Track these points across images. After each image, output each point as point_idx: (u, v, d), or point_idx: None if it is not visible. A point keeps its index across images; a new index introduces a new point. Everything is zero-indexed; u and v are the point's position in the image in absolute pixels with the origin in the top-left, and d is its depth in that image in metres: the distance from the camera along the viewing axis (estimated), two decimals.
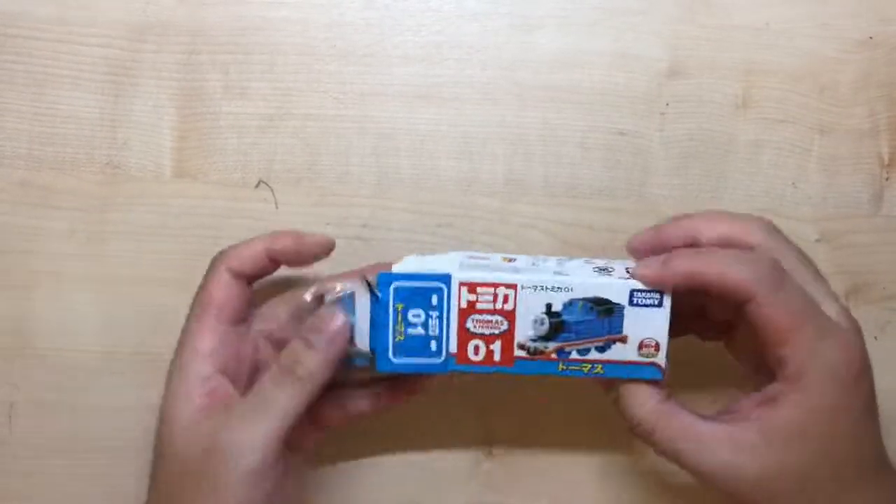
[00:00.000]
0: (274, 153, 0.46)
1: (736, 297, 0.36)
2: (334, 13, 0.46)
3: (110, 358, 0.46)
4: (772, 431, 0.35)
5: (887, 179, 0.47)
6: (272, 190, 0.46)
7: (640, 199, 0.46)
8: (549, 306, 0.38)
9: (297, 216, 0.46)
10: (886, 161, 0.47)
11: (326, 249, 0.41)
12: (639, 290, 0.38)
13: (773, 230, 0.39)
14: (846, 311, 0.37)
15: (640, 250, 0.40)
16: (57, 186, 0.46)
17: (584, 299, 0.38)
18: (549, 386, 0.46)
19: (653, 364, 0.38)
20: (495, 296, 0.38)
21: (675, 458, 0.37)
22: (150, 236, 0.46)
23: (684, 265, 0.36)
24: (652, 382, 0.38)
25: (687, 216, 0.39)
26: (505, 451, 0.47)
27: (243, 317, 0.41)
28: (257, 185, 0.46)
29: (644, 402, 0.38)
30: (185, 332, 0.40)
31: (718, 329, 0.41)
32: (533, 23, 0.47)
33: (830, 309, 0.37)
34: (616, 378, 0.38)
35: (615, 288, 0.38)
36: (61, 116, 0.46)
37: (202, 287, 0.41)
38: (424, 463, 0.46)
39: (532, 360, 0.39)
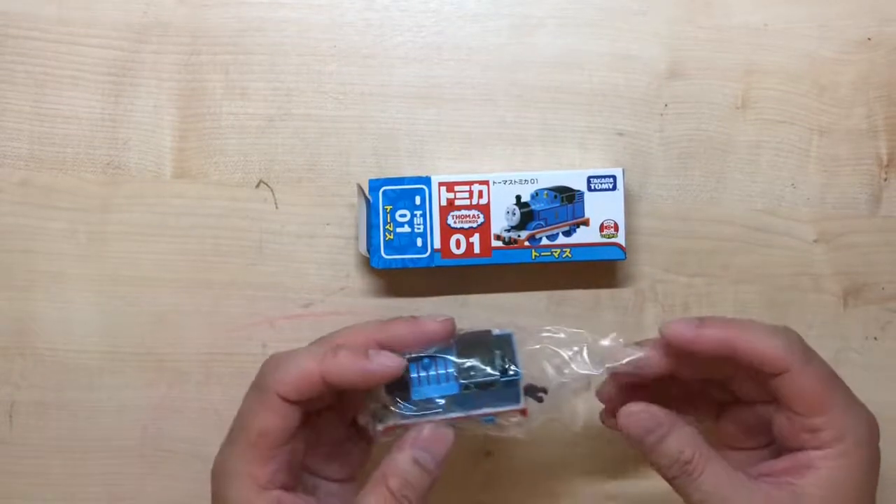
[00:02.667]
0: (274, 153, 0.46)
1: (770, 368, 0.36)
2: (335, 14, 0.47)
3: (110, 358, 0.46)
4: (808, 496, 0.35)
5: (886, 180, 0.47)
6: (272, 190, 0.46)
7: (640, 200, 0.46)
8: (518, 197, 0.43)
9: (297, 217, 0.46)
10: (885, 162, 0.47)
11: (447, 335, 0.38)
12: (595, 176, 0.42)
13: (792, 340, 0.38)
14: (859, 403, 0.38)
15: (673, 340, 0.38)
16: (57, 186, 0.46)
17: (549, 188, 0.42)
18: None
19: (615, 244, 0.42)
20: (471, 192, 0.43)
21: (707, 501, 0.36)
22: (151, 236, 0.46)
23: (718, 333, 0.37)
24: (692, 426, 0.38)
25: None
26: (504, 452, 0.47)
27: (296, 433, 0.37)
28: (257, 186, 0.46)
29: (691, 440, 0.37)
30: (230, 463, 0.36)
31: (710, 411, 0.41)
32: (533, 23, 0.47)
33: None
34: (583, 260, 0.42)
35: (575, 175, 0.43)
36: (62, 116, 0.46)
37: (248, 412, 0.37)
38: None
39: (507, 249, 0.43)
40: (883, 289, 0.47)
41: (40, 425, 0.46)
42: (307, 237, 0.46)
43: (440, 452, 0.37)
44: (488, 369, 0.37)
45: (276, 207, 0.46)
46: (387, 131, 0.46)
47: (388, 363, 0.36)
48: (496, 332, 0.39)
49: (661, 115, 0.47)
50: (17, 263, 0.46)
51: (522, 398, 0.37)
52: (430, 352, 0.38)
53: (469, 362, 0.37)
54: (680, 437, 0.36)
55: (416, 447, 0.36)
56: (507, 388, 0.37)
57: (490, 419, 0.38)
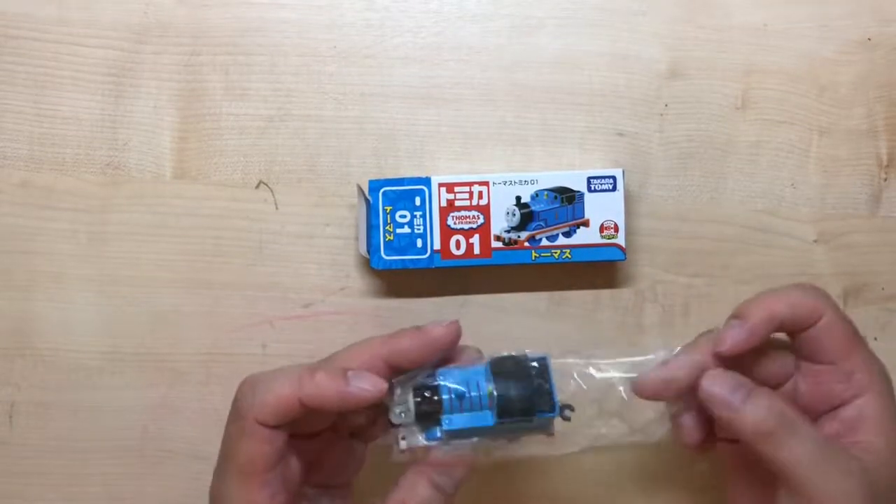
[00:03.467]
0: (274, 154, 0.46)
1: (808, 319, 0.37)
2: (334, 14, 0.47)
3: (110, 358, 0.46)
4: (875, 448, 0.36)
5: (885, 180, 0.47)
6: (272, 190, 0.46)
7: (640, 200, 0.46)
8: (518, 198, 0.43)
9: (297, 217, 0.46)
10: (885, 162, 0.47)
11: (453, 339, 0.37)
12: (595, 177, 0.42)
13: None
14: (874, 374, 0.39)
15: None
16: (58, 187, 0.46)
17: (548, 189, 0.42)
18: None
19: (615, 245, 0.42)
20: (471, 193, 0.43)
21: (788, 474, 0.34)
22: (151, 237, 0.46)
23: (759, 311, 0.37)
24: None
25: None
26: (504, 451, 0.47)
27: (286, 454, 0.36)
28: (257, 186, 0.46)
29: (776, 400, 0.36)
30: (226, 493, 0.35)
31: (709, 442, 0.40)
32: (533, 24, 0.47)
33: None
34: (583, 261, 0.42)
35: (575, 176, 0.43)
36: (62, 117, 0.46)
37: (230, 440, 0.36)
38: None
39: (507, 249, 0.43)
40: (883, 289, 0.47)
41: (40, 425, 0.46)
42: (307, 237, 0.46)
43: (459, 476, 0.36)
44: (521, 405, 0.35)
45: (276, 208, 0.46)
46: (387, 132, 0.46)
47: (366, 387, 0.34)
48: (531, 355, 0.37)
49: (661, 115, 0.47)
50: (17, 264, 0.46)
51: (553, 427, 0.36)
52: (459, 371, 0.36)
53: (506, 394, 0.35)
54: (765, 395, 0.35)
55: (436, 472, 0.35)
56: (542, 420, 0.36)
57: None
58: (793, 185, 0.47)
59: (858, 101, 0.47)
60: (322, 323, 0.46)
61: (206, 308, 0.46)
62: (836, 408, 0.38)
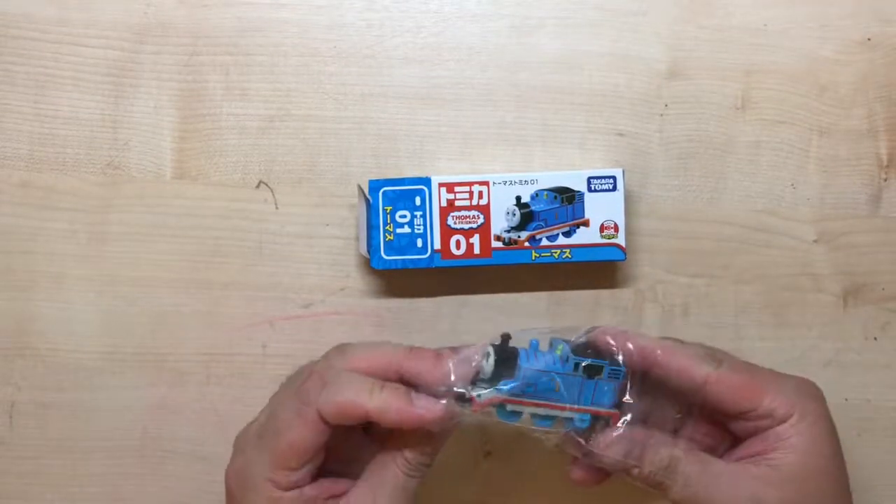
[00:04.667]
0: (274, 154, 0.46)
1: (692, 380, 0.38)
2: (335, 14, 0.47)
3: (110, 358, 0.46)
4: (786, 465, 0.37)
5: (885, 180, 0.47)
6: (272, 191, 0.46)
7: (640, 200, 0.47)
8: (518, 198, 0.43)
9: (297, 217, 0.46)
10: (885, 162, 0.47)
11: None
12: (595, 177, 0.42)
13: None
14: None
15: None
16: (58, 187, 0.46)
17: (548, 189, 0.42)
18: None
19: (615, 245, 0.42)
20: (471, 193, 0.43)
21: (696, 498, 0.38)
22: (151, 237, 0.46)
23: (642, 342, 0.38)
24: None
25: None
26: (503, 452, 0.47)
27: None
28: (258, 186, 0.47)
29: (666, 445, 0.38)
30: (254, 469, 0.37)
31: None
32: (533, 24, 0.47)
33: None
34: (583, 261, 0.42)
35: (574, 176, 0.43)
36: (62, 117, 0.46)
37: (286, 417, 0.37)
38: None
39: (507, 249, 0.43)
40: (883, 289, 0.47)
41: (40, 425, 0.46)
42: (307, 238, 0.46)
43: (434, 450, 0.38)
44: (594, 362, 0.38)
45: (276, 208, 0.46)
46: (387, 132, 0.46)
47: (427, 414, 0.36)
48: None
49: (661, 115, 0.47)
50: (17, 264, 0.46)
51: (619, 402, 0.38)
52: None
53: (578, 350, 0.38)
54: (656, 448, 0.38)
55: (409, 451, 0.38)
56: (607, 385, 0.38)
57: (583, 423, 0.38)
58: (793, 185, 0.47)
59: (858, 102, 0.47)
60: (322, 323, 0.46)
61: (206, 308, 0.46)
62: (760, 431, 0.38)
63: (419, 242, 0.44)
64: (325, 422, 0.36)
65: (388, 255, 0.44)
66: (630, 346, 0.38)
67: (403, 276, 0.46)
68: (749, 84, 0.47)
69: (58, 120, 0.46)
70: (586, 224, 0.43)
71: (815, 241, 0.47)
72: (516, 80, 0.47)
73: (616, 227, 0.43)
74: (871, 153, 0.47)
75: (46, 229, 0.46)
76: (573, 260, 0.44)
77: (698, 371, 0.38)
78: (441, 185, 0.44)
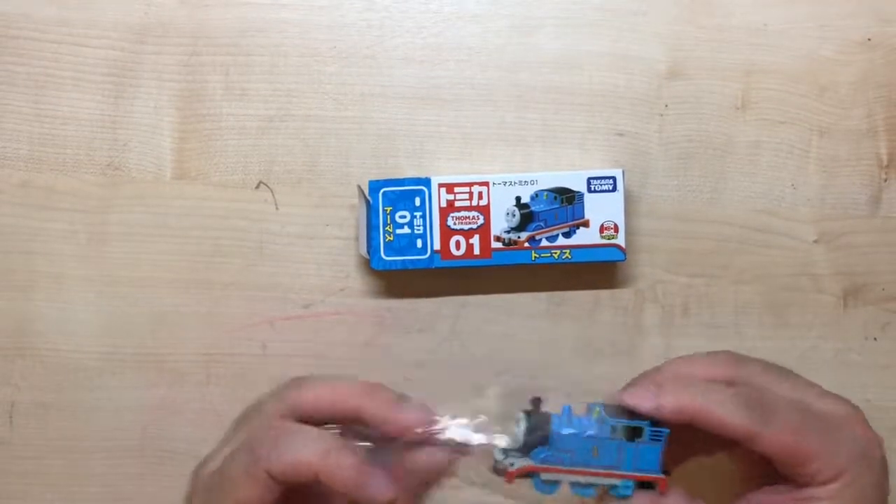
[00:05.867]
0: (274, 154, 0.46)
1: (736, 438, 0.35)
2: (335, 15, 0.47)
3: (110, 358, 0.46)
4: None
5: (886, 180, 0.47)
6: (272, 191, 0.46)
7: (640, 200, 0.46)
8: (518, 199, 0.43)
9: (297, 217, 0.46)
10: (885, 162, 0.47)
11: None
12: (595, 178, 0.42)
13: (736, 361, 0.38)
14: (832, 396, 0.37)
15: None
16: (58, 187, 0.46)
17: (548, 189, 0.42)
18: None
19: (615, 245, 0.42)
20: (471, 193, 0.43)
21: None
22: (151, 237, 0.46)
23: (677, 405, 0.35)
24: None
25: (656, 372, 0.38)
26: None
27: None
28: (257, 187, 0.47)
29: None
30: None
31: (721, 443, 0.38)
32: (533, 24, 0.47)
33: (819, 401, 0.37)
34: (583, 262, 0.41)
35: (574, 177, 0.43)
36: (62, 118, 0.46)
37: (236, 474, 0.35)
38: None
39: (507, 250, 0.43)
40: (883, 289, 0.47)
41: (40, 425, 0.46)
42: (307, 238, 0.46)
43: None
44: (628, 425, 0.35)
45: (277, 208, 0.46)
46: (387, 132, 0.46)
47: (380, 495, 0.34)
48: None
49: (661, 115, 0.47)
50: (17, 264, 0.46)
51: (663, 467, 0.35)
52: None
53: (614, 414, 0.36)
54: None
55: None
56: (648, 450, 0.35)
57: (626, 490, 0.36)
58: (793, 185, 0.47)
59: (858, 102, 0.47)
60: (322, 323, 0.46)
61: (206, 308, 0.46)
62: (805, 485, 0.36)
63: (419, 243, 0.44)
64: (275, 480, 0.34)
65: (387, 256, 0.44)
66: (665, 407, 0.35)
67: (403, 277, 0.46)
68: (749, 84, 0.47)
69: (58, 120, 0.46)
70: (586, 224, 0.44)
71: (815, 242, 0.47)
72: (516, 80, 0.47)
73: (616, 228, 0.44)
74: (871, 153, 0.47)
75: (46, 229, 0.46)
76: (573, 261, 0.44)
77: (742, 430, 0.34)
78: (441, 185, 0.44)
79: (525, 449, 0.35)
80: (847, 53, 0.47)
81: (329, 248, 0.46)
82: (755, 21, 0.47)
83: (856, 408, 0.37)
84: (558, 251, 0.44)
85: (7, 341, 0.46)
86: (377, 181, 0.44)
